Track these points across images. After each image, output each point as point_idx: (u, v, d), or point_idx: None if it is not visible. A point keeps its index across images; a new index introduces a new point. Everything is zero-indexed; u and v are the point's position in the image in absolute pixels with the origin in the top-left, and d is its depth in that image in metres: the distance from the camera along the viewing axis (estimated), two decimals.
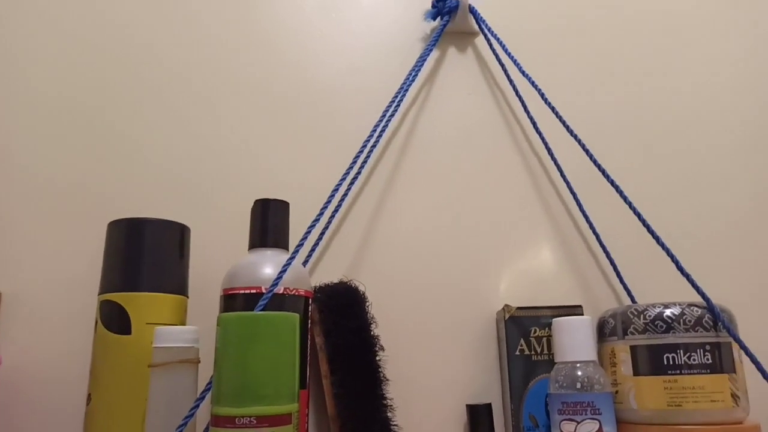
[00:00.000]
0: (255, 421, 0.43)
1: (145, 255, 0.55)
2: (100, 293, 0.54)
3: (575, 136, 0.67)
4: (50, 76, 0.69)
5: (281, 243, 0.60)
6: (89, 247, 0.64)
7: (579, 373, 0.56)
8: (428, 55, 0.72)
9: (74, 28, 0.71)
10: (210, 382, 0.47)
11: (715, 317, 0.56)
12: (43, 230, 0.65)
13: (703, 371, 0.54)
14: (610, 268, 0.70)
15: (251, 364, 0.45)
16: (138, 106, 0.70)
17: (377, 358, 0.59)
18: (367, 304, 0.61)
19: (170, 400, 0.48)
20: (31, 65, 0.70)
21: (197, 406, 0.47)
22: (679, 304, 0.57)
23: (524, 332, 0.63)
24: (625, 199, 0.63)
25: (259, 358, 0.45)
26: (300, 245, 0.58)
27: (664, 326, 0.56)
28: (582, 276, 0.70)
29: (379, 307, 0.64)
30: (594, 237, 0.70)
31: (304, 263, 0.65)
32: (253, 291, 0.55)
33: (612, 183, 0.64)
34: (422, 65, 0.71)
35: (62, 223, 0.65)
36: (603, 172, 0.65)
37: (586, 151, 0.66)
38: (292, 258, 0.56)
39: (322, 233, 0.67)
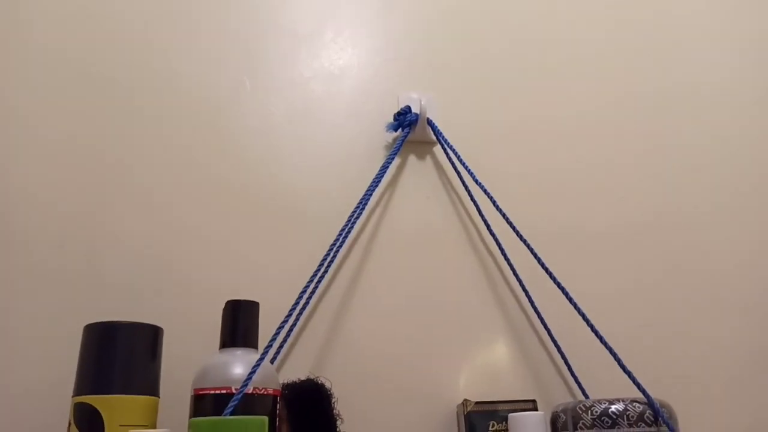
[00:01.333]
0: None
1: (118, 358, 0.57)
2: (74, 395, 0.56)
3: (524, 241, 0.73)
4: (22, 179, 0.73)
5: (251, 342, 0.62)
6: (64, 349, 0.66)
7: None
8: (390, 162, 0.78)
9: (51, 129, 0.76)
10: None
11: (655, 413, 0.60)
12: (18, 330, 0.67)
13: None
14: (563, 362, 0.74)
15: None
16: (112, 210, 0.73)
17: None
18: (333, 400, 0.63)
19: None
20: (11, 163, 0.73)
21: None
22: (623, 401, 0.61)
23: (483, 426, 0.66)
24: (569, 299, 0.68)
25: None
26: (269, 346, 0.61)
27: (610, 422, 0.60)
28: (536, 370, 0.75)
29: (345, 402, 0.66)
30: (546, 333, 0.75)
31: (272, 360, 0.68)
32: (223, 392, 0.57)
33: (557, 284, 0.70)
34: (385, 171, 0.78)
35: (37, 324, 0.67)
36: (549, 274, 0.71)
37: (534, 255, 0.72)
38: (261, 359, 0.59)
39: (290, 330, 0.70)
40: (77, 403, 0.55)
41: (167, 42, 0.82)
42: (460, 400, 0.70)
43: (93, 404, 0.54)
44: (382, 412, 0.70)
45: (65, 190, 0.73)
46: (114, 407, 0.54)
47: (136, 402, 0.56)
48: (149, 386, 0.58)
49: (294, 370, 0.69)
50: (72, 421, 0.55)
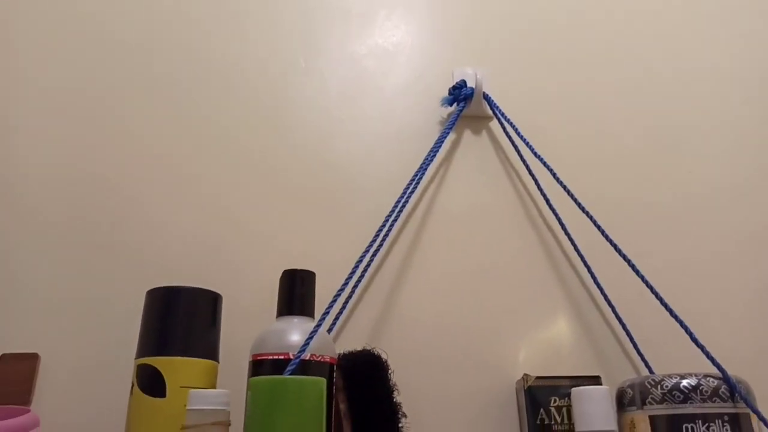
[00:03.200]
0: None
1: (179, 321, 0.58)
2: (137, 357, 0.57)
3: (587, 213, 0.71)
4: (86, 154, 0.76)
5: (307, 311, 0.63)
6: (126, 313, 0.68)
7: None
8: (445, 137, 0.77)
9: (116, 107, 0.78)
10: None
11: (731, 388, 0.57)
12: (83, 296, 0.69)
13: None
14: (626, 338, 0.71)
15: (279, 427, 0.47)
16: (173, 182, 0.75)
17: (400, 425, 0.60)
18: (390, 371, 0.63)
19: None
20: (66, 140, 0.76)
21: None
22: (695, 375, 0.58)
23: (544, 402, 0.64)
24: (637, 272, 0.65)
25: (287, 421, 0.47)
26: (326, 313, 0.61)
27: (682, 396, 0.57)
28: (598, 347, 0.72)
29: (401, 375, 0.65)
30: (609, 309, 0.72)
31: (329, 331, 0.68)
32: (281, 357, 0.58)
33: (624, 258, 0.67)
34: (440, 147, 0.77)
35: (101, 289, 0.70)
36: (615, 247, 0.68)
37: (599, 227, 0.70)
38: (318, 325, 0.59)
39: (346, 302, 0.70)
40: (140, 364, 0.56)
41: (222, 23, 0.84)
42: (519, 376, 0.68)
43: (155, 365, 0.55)
44: (439, 385, 0.69)
45: (130, 161, 0.76)
46: (175, 369, 0.55)
47: (197, 365, 0.57)
48: (209, 350, 0.59)
49: (350, 342, 0.68)
50: (135, 383, 0.56)
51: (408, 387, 0.66)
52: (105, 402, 0.64)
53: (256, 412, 0.48)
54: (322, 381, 0.50)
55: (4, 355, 0.65)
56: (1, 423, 0.52)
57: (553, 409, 0.63)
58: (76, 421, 0.64)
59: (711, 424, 0.55)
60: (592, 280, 0.74)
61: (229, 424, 0.52)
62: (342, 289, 0.64)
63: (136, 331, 0.59)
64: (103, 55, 0.81)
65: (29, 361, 0.66)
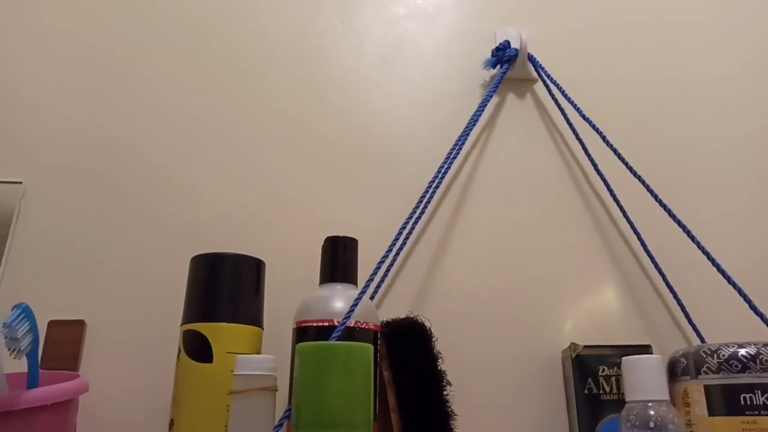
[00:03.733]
0: None
1: (225, 287, 0.58)
2: (182, 323, 0.57)
3: (638, 176, 0.68)
4: (131, 124, 0.75)
5: (351, 278, 0.62)
6: (170, 280, 0.68)
7: (651, 412, 0.55)
8: (488, 101, 0.75)
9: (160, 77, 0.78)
10: (288, 409, 0.49)
11: None
12: (128, 264, 0.70)
13: None
14: (677, 307, 0.69)
15: (328, 393, 0.46)
16: (217, 152, 0.75)
17: (444, 393, 0.59)
18: (434, 339, 0.62)
19: (250, 425, 0.49)
20: (103, 110, 0.76)
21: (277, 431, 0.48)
22: (755, 344, 0.56)
23: (592, 371, 0.62)
24: (693, 238, 0.63)
25: (336, 387, 0.47)
26: (370, 280, 0.60)
27: (740, 366, 0.55)
28: (647, 316, 0.70)
29: (445, 343, 0.65)
30: (659, 276, 0.70)
31: (372, 298, 0.67)
32: (326, 324, 0.57)
33: (677, 221, 0.65)
34: (483, 111, 0.74)
35: (145, 257, 0.70)
36: (668, 210, 0.66)
37: (649, 189, 0.67)
38: (363, 292, 0.58)
39: (389, 270, 0.69)
40: (186, 330, 0.56)
41: None
42: (565, 345, 0.67)
43: (201, 331, 0.55)
44: (483, 353, 0.68)
45: (174, 132, 0.75)
46: (221, 334, 0.55)
47: (242, 331, 0.57)
48: (254, 317, 0.59)
49: (393, 310, 0.68)
50: (182, 348, 0.56)
51: (452, 355, 0.65)
52: (152, 368, 0.65)
53: (304, 377, 0.48)
54: (370, 347, 0.49)
55: (51, 321, 0.66)
56: (52, 387, 0.53)
57: (601, 379, 0.62)
58: (123, 387, 0.65)
59: None
60: (641, 247, 0.71)
61: (276, 390, 0.52)
62: (386, 256, 0.63)
63: (181, 298, 0.59)
64: (141, 24, 0.80)
65: (76, 328, 0.66)
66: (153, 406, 0.64)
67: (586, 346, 0.63)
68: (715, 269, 0.62)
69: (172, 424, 0.54)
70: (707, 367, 0.56)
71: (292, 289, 0.67)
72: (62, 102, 0.76)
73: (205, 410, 0.53)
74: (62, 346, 0.65)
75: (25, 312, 0.49)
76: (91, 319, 0.67)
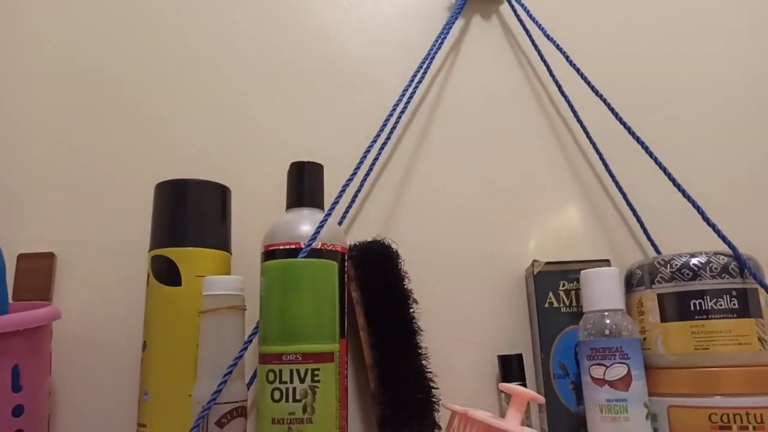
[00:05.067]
0: (300, 358, 0.46)
1: (190, 213, 0.58)
2: (150, 249, 0.58)
3: (601, 96, 0.68)
4: (94, 54, 0.73)
5: (317, 203, 0.63)
6: (136, 209, 0.68)
7: (607, 321, 0.58)
8: (453, 23, 0.74)
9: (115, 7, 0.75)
10: (257, 326, 0.50)
11: (741, 264, 0.57)
12: (95, 193, 0.69)
13: (729, 316, 0.56)
14: (637, 225, 0.71)
15: (295, 307, 0.48)
16: (181, 75, 0.73)
17: (411, 310, 0.62)
18: (400, 260, 0.63)
19: (220, 343, 0.51)
20: (70, 42, 0.73)
21: (246, 348, 0.50)
22: (705, 253, 0.58)
23: (553, 286, 0.65)
24: (649, 153, 0.64)
25: (303, 301, 0.48)
26: (335, 203, 0.61)
27: (691, 274, 0.57)
28: (608, 233, 0.72)
29: (412, 264, 0.66)
30: (620, 194, 0.71)
31: (339, 223, 0.68)
32: (293, 246, 0.58)
33: (636, 138, 0.66)
34: (448, 33, 0.73)
35: (112, 185, 0.70)
36: (627, 128, 0.67)
37: (610, 108, 0.68)
38: (328, 215, 0.59)
39: (355, 196, 0.69)
40: (154, 256, 0.57)
41: None
42: (529, 263, 0.69)
43: (169, 256, 0.56)
44: (449, 274, 0.70)
45: (137, 58, 0.73)
46: (189, 259, 0.56)
47: (209, 255, 0.58)
48: (221, 241, 0.59)
49: (361, 236, 0.69)
50: (150, 274, 0.57)
51: (419, 276, 0.67)
52: (123, 295, 0.66)
53: (271, 294, 0.49)
54: (334, 264, 0.51)
55: (21, 255, 0.67)
56: (23, 313, 0.54)
57: (561, 293, 0.64)
58: (96, 315, 0.66)
59: (719, 299, 0.56)
60: (603, 167, 0.73)
61: (245, 309, 0.53)
62: (350, 180, 0.63)
63: (148, 224, 0.60)
64: None
65: (45, 260, 0.67)
66: (126, 331, 0.65)
67: (547, 263, 0.65)
68: (671, 184, 0.63)
69: (145, 346, 0.55)
70: (660, 277, 0.59)
71: (260, 215, 0.68)
72: (25, 32, 0.74)
73: (176, 332, 0.54)
74: (33, 278, 0.66)
75: None
76: (60, 251, 0.67)
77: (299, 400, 0.46)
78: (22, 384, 0.54)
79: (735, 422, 0.53)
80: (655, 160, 0.64)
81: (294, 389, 0.46)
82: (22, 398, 0.54)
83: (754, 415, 0.53)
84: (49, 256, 0.67)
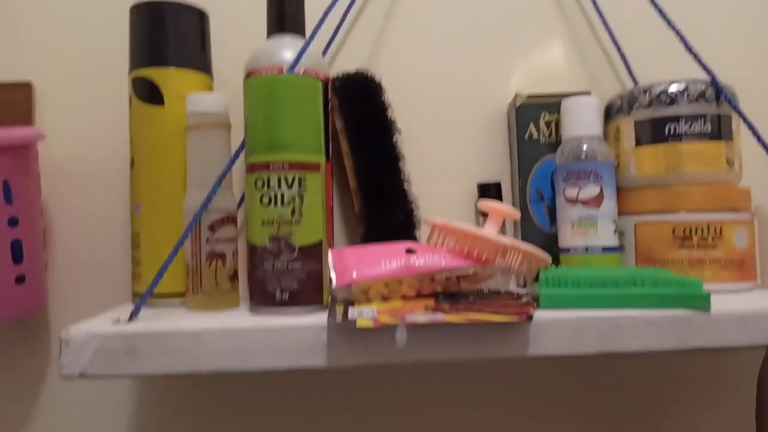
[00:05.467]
0: (287, 166, 0.48)
1: (168, 35, 0.57)
2: (130, 71, 0.57)
3: None
4: None
5: (299, 30, 0.61)
6: (112, 32, 0.66)
7: (584, 146, 0.60)
8: None
9: None
10: (243, 142, 0.51)
11: (717, 91, 0.58)
12: (68, 19, 0.67)
13: (702, 138, 0.58)
14: (619, 61, 0.71)
15: (281, 119, 0.49)
16: None
17: (394, 138, 0.63)
18: (384, 91, 0.63)
19: (207, 157, 0.52)
20: None
21: (233, 161, 0.51)
22: (685, 81, 0.59)
23: (534, 118, 0.66)
24: None
25: (288, 113, 0.49)
26: (317, 28, 0.59)
27: (669, 100, 0.59)
28: (591, 68, 0.72)
29: (396, 95, 0.66)
30: (605, 30, 0.71)
31: (324, 54, 0.67)
32: (275, 71, 0.58)
33: None
34: None
35: (84, 9, 0.67)
36: None
37: None
38: (310, 39, 0.58)
39: (339, 26, 0.68)
40: (135, 78, 0.57)
41: None
42: (512, 97, 0.70)
43: (150, 77, 0.56)
44: (433, 106, 0.70)
45: None
46: (170, 79, 0.56)
47: (191, 77, 0.57)
48: (201, 64, 0.59)
49: (345, 65, 0.68)
50: (132, 95, 0.57)
51: (402, 107, 0.67)
52: (106, 118, 0.66)
53: (257, 109, 0.49)
54: (318, 81, 0.51)
55: None
56: (9, 130, 0.54)
57: (542, 124, 0.66)
58: (80, 137, 0.66)
59: (693, 123, 0.58)
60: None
61: (230, 127, 0.54)
62: (333, 5, 0.62)
63: (125, 47, 0.59)
64: None
65: (23, 90, 0.66)
66: (112, 150, 0.66)
67: (529, 96, 0.66)
68: (657, 14, 0.63)
69: (132, 162, 0.56)
70: (639, 104, 0.60)
71: (241, 42, 0.66)
72: None
73: (163, 149, 0.55)
74: (13, 107, 0.65)
75: None
76: (38, 81, 0.66)
77: (287, 205, 0.48)
78: (14, 198, 0.55)
79: (696, 234, 0.57)
80: None
81: (282, 195, 0.48)
82: (15, 210, 0.55)
83: (714, 228, 0.57)
84: (27, 86, 0.66)
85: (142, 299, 0.47)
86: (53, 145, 0.65)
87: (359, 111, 0.62)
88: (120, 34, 0.62)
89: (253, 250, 0.49)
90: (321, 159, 0.50)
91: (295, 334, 0.45)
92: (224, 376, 0.68)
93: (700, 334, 0.48)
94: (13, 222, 0.55)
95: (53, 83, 0.66)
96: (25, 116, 0.65)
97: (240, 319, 0.48)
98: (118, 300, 0.66)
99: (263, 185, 0.48)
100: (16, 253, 0.56)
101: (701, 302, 0.48)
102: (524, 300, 0.51)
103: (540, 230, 0.65)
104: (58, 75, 0.67)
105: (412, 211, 0.62)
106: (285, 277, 0.48)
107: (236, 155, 0.52)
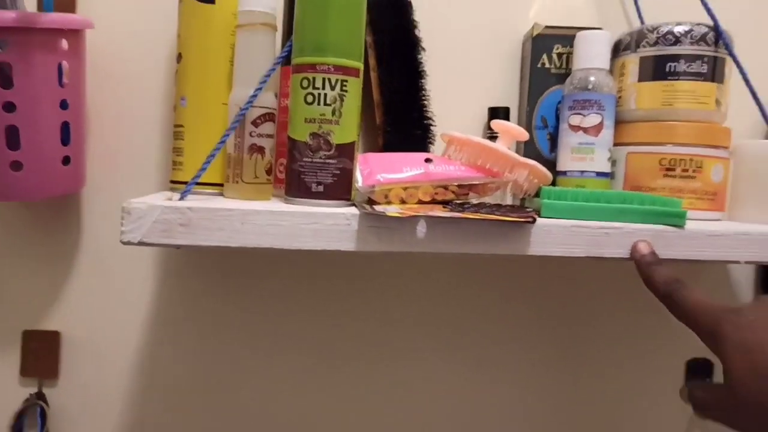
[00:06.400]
0: (332, 69, 0.53)
1: None
2: None
3: None
4: None
5: None
6: None
7: (592, 78, 0.65)
8: None
9: None
10: (290, 44, 0.55)
11: (718, 35, 0.64)
12: None
13: (697, 78, 0.64)
14: (632, 3, 0.76)
15: (329, 24, 0.53)
16: None
17: (419, 56, 0.67)
18: (413, 9, 0.67)
19: (254, 57, 0.56)
20: None
21: (281, 60, 0.56)
22: (690, 23, 0.64)
23: (548, 49, 0.70)
24: None
25: (336, 19, 0.53)
26: None
27: (673, 39, 0.64)
28: (604, 10, 0.77)
29: (424, 15, 0.70)
30: None
31: None
32: None
33: None
34: None
35: None
36: None
37: None
38: None
39: None
40: None
41: None
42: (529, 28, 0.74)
43: None
44: (455, 31, 0.75)
45: None
46: None
47: None
48: None
49: None
50: None
51: (428, 28, 0.71)
52: (154, 12, 0.70)
53: (307, 13, 0.53)
54: None
55: None
56: (67, 14, 0.57)
57: (554, 55, 0.71)
58: (126, 29, 0.70)
59: (692, 63, 0.64)
60: None
61: (276, 29, 0.58)
62: None
63: None
64: None
65: None
66: (160, 43, 0.70)
67: (546, 26, 0.71)
68: None
69: (180, 57, 0.60)
70: (646, 42, 0.66)
71: None
72: None
73: (211, 45, 0.59)
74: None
75: None
76: None
77: (329, 105, 0.53)
78: (66, 81, 0.59)
79: (679, 166, 0.64)
80: None
81: (325, 95, 0.53)
82: (66, 93, 0.59)
83: (696, 161, 0.64)
84: None
85: (194, 177, 0.52)
86: (98, 32, 0.68)
87: (388, 26, 0.66)
88: None
89: (293, 145, 0.54)
90: (361, 65, 0.55)
91: (330, 220, 0.52)
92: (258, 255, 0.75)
93: (675, 246, 0.56)
94: (64, 104, 0.59)
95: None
96: (68, 4, 0.68)
97: (280, 206, 0.54)
98: (149, 188, 0.71)
99: (309, 85, 0.53)
100: (65, 135, 0.61)
101: (678, 219, 0.56)
102: (527, 210, 0.58)
103: (541, 155, 0.71)
104: None
105: (429, 126, 0.68)
106: (321, 172, 0.54)
107: (282, 55, 0.56)
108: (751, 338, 0.42)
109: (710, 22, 0.64)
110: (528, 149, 0.71)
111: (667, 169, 0.64)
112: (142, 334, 0.74)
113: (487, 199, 0.64)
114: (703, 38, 0.64)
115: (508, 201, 0.73)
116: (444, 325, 0.78)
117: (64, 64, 0.59)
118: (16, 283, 0.71)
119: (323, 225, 0.52)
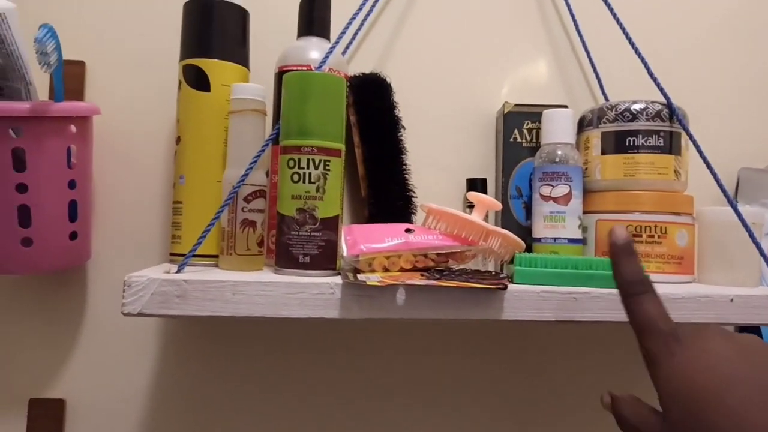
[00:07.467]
0: (315, 150, 0.58)
1: (216, 29, 0.66)
2: (181, 59, 0.66)
3: None
4: None
5: (324, 33, 0.71)
6: (164, 24, 0.76)
7: (559, 151, 0.71)
8: None
9: None
10: (278, 127, 0.61)
11: (671, 112, 0.70)
12: (126, 7, 0.77)
13: (655, 151, 0.69)
14: (595, 81, 0.83)
15: (312, 109, 0.58)
16: None
17: (399, 134, 0.73)
18: (393, 92, 0.74)
19: (245, 139, 0.62)
20: None
21: (269, 142, 0.61)
22: (645, 101, 0.70)
23: (518, 124, 0.77)
24: (613, 15, 0.75)
25: (318, 105, 0.58)
26: (342, 34, 0.69)
27: (630, 116, 0.70)
28: (570, 86, 0.84)
29: (403, 96, 0.76)
30: (585, 53, 0.82)
31: (344, 54, 0.77)
32: (304, 68, 0.67)
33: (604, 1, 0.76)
34: None
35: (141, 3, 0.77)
36: None
37: None
38: (336, 43, 0.68)
39: (358, 30, 0.78)
40: (185, 65, 0.66)
41: None
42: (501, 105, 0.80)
43: (199, 65, 0.65)
44: (433, 109, 0.82)
45: None
46: (216, 69, 0.65)
47: (233, 69, 0.66)
48: (242, 58, 0.68)
49: (358, 69, 0.78)
50: (182, 80, 0.66)
51: (408, 106, 0.78)
52: (155, 98, 0.76)
53: (291, 100, 0.59)
54: (343, 78, 0.61)
55: None
56: (74, 102, 0.63)
57: (525, 130, 0.77)
58: (130, 113, 0.76)
59: (649, 138, 0.69)
60: (572, 24, 0.83)
61: (266, 114, 0.64)
62: (356, 14, 0.72)
63: (174, 38, 0.68)
64: None
65: (76, 67, 0.74)
66: (160, 126, 0.76)
67: (516, 105, 0.77)
68: (628, 44, 0.74)
69: (179, 139, 0.66)
70: (606, 119, 0.71)
71: (274, 40, 0.76)
72: None
73: (207, 129, 0.65)
74: (66, 83, 0.73)
75: (51, 31, 0.57)
76: (90, 61, 0.75)
77: (314, 182, 0.58)
78: (74, 162, 0.64)
79: (645, 232, 0.68)
80: (617, 21, 0.74)
81: (309, 174, 0.58)
82: (74, 174, 0.64)
83: (660, 227, 0.68)
84: (80, 64, 0.74)
85: (190, 251, 0.56)
86: (104, 120, 0.74)
87: (371, 107, 0.72)
88: (167, 26, 0.71)
89: (282, 219, 0.59)
90: (342, 146, 0.60)
91: (315, 289, 0.55)
92: (249, 325, 0.78)
93: None
94: (72, 184, 0.64)
95: (105, 65, 0.76)
96: (77, 92, 0.74)
97: (269, 276, 0.58)
98: (151, 260, 0.76)
99: (294, 165, 0.58)
100: (72, 212, 0.65)
101: None
102: (501, 276, 0.62)
103: (517, 223, 0.76)
104: (110, 57, 0.76)
105: (411, 198, 0.73)
106: (308, 244, 0.58)
107: (270, 137, 0.61)
108: (689, 382, 0.40)
109: (664, 100, 0.71)
110: (505, 218, 0.76)
111: (634, 235, 0.68)
112: (144, 401, 0.76)
113: (470, 265, 0.68)
114: (658, 115, 0.69)
115: (490, 267, 0.77)
116: (424, 382, 0.81)
117: (73, 147, 0.64)
118: (22, 352, 0.75)
119: (309, 294, 0.55)
